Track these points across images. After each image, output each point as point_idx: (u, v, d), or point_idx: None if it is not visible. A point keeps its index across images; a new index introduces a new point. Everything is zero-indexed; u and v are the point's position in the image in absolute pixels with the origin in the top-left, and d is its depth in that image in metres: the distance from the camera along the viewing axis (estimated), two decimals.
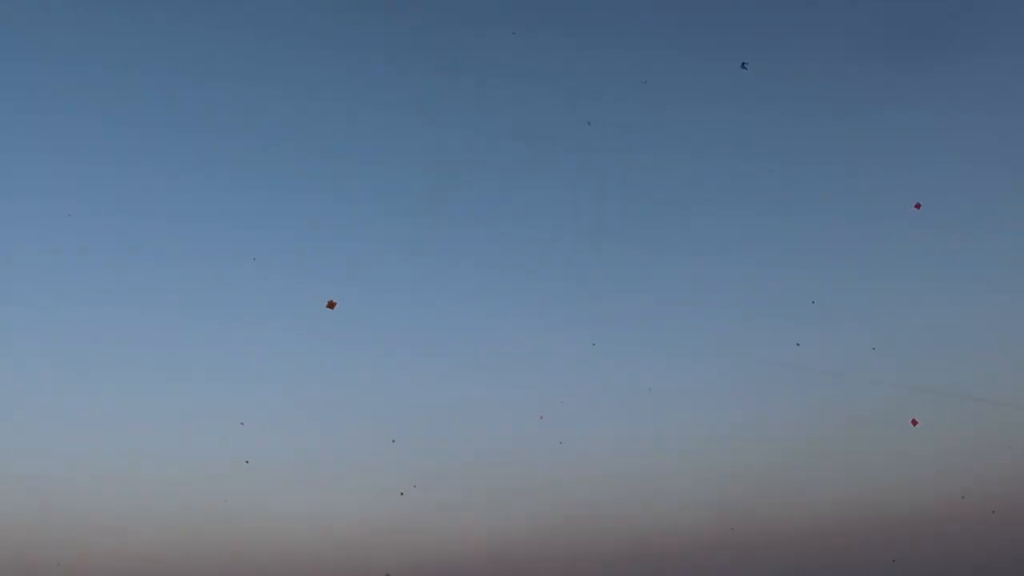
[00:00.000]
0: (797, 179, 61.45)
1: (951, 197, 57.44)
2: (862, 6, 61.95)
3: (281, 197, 62.96)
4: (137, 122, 60.83)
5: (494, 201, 65.02)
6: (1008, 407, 41.88)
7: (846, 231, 59.13)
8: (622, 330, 56.51)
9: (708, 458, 50.50)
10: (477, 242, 63.83)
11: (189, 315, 57.28)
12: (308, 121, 64.74)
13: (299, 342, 56.69)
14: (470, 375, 56.52)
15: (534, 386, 53.61)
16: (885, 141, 60.91)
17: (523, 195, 64.81)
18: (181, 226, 61.00)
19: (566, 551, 46.31)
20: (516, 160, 65.15)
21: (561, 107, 64.34)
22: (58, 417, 50.82)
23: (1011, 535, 40.24)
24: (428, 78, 64.61)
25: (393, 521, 46.89)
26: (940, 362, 53.64)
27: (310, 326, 55.38)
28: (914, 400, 45.98)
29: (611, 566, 45.10)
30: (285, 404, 52.69)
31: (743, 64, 40.32)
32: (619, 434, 52.08)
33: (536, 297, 61.34)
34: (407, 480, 44.01)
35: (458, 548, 47.23)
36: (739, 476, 48.66)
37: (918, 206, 40.19)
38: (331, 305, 34.18)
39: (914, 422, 39.35)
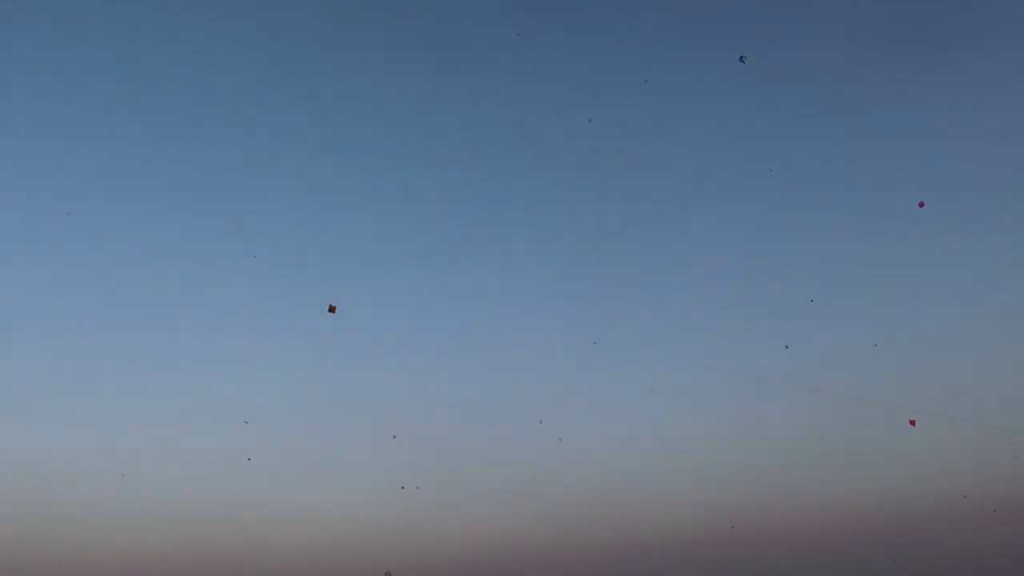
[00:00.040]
0: (797, 179, 61.59)
1: (951, 197, 57.57)
2: (862, 6, 62.07)
3: (282, 197, 63.17)
4: (137, 120, 60.99)
5: (494, 201, 65.15)
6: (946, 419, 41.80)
7: (846, 231, 59.30)
8: (622, 330, 56.66)
9: (708, 458, 50.65)
10: (477, 242, 63.96)
11: (189, 314, 57.46)
12: (308, 121, 64.90)
13: (300, 341, 56.87)
14: (470, 374, 56.70)
15: (534, 385, 53.74)
16: (885, 141, 61.06)
17: (523, 195, 64.96)
18: (181, 225, 61.19)
19: (566, 550, 46.39)
20: (516, 160, 65.30)
21: (561, 107, 64.51)
22: (58, 416, 51.02)
23: (1011, 534, 40.23)
24: (428, 78, 64.77)
25: (394, 519, 47.02)
26: (940, 362, 53.81)
27: (310, 325, 55.58)
28: (913, 400, 46.23)
29: (611, 564, 45.14)
30: (286, 403, 52.84)
31: (741, 57, 40.24)
32: (619, 433, 52.23)
33: (536, 297, 61.49)
34: (408, 479, 44.16)
35: (458, 546, 47.33)
36: (739, 476, 48.76)
37: (921, 204, 40.19)
38: (332, 310, 34.85)
39: (912, 422, 39.37)
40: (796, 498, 47.86)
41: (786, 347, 47.51)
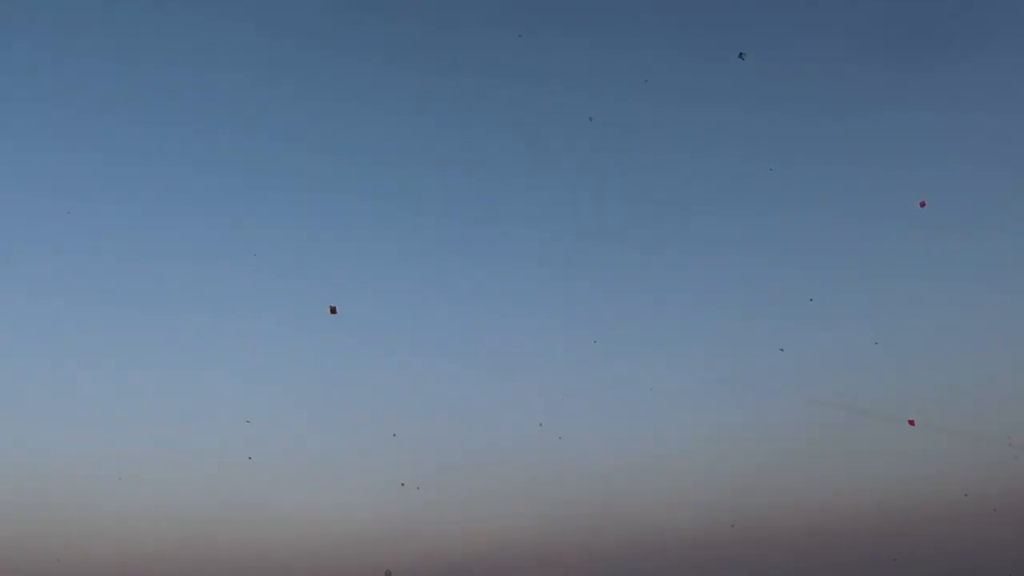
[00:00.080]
0: (797, 179, 61.60)
1: (951, 197, 57.53)
2: (862, 6, 62.09)
3: (282, 197, 63.18)
4: (137, 120, 61.02)
5: (494, 201, 65.16)
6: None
7: (846, 231, 59.32)
8: (622, 329, 56.70)
9: (708, 458, 50.63)
10: (478, 242, 63.96)
11: (189, 314, 57.46)
12: (308, 121, 64.92)
13: (300, 341, 56.86)
14: (471, 374, 56.69)
15: (535, 385, 53.73)
16: (885, 141, 61.07)
17: (523, 195, 64.99)
18: (181, 225, 61.20)
19: (566, 549, 46.39)
20: (516, 160, 65.32)
21: (561, 107, 64.53)
22: (58, 416, 51.02)
23: (1012, 533, 40.24)
24: (428, 78, 64.79)
25: (394, 519, 46.99)
26: (940, 362, 53.80)
27: (310, 325, 55.56)
28: (914, 399, 46.23)
29: (611, 564, 45.13)
30: (286, 403, 52.82)
31: (740, 54, 40.13)
32: (619, 433, 52.21)
33: (536, 297, 61.51)
34: (408, 479, 44.13)
35: (458, 546, 47.31)
36: (739, 475, 48.73)
37: (923, 204, 40.13)
38: (333, 311, 35.06)
39: (911, 423, 39.37)
40: (796, 498, 47.90)
41: (781, 350, 47.63)
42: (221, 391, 54.55)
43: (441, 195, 64.82)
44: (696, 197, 63.16)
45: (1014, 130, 57.59)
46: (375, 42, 65.10)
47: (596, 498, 48.36)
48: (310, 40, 63.88)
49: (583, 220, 63.68)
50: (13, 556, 41.43)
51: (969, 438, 44.62)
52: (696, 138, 63.99)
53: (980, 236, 55.59)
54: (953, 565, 40.67)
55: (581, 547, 46.39)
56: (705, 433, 51.61)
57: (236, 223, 61.00)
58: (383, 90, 64.79)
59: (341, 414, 52.51)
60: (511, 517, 48.16)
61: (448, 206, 64.64)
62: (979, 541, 41.29)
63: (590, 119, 59.39)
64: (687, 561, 45.00)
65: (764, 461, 49.45)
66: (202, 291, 58.89)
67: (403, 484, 43.20)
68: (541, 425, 46.39)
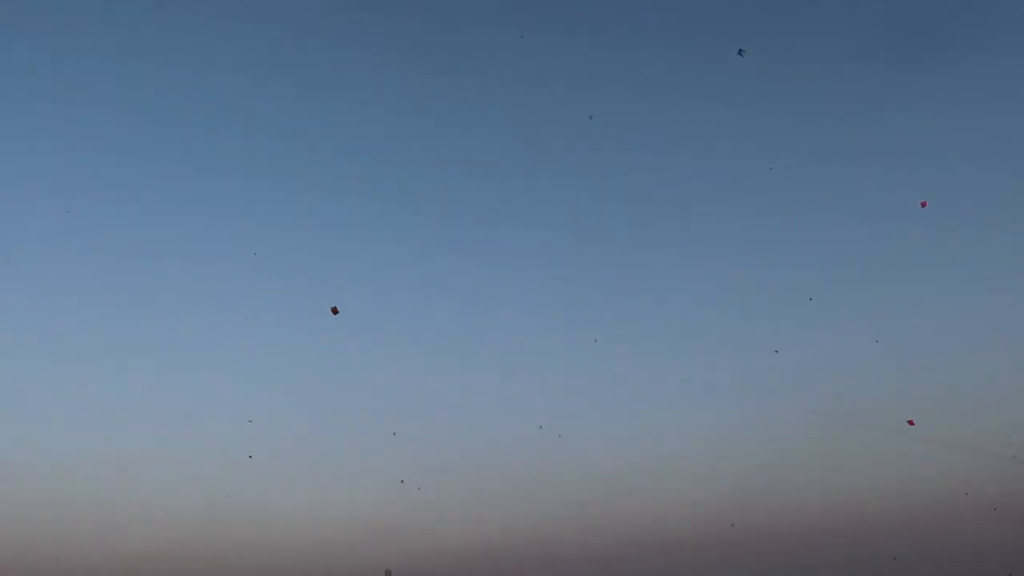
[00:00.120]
0: (797, 179, 61.65)
1: (951, 197, 57.63)
2: (862, 6, 62.16)
3: (282, 197, 63.22)
4: (137, 120, 61.09)
5: (494, 201, 65.20)
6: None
7: (846, 231, 59.35)
8: (623, 329, 56.70)
9: (708, 457, 50.61)
10: (478, 241, 64.01)
11: (189, 314, 57.48)
12: (308, 121, 65.00)
13: (300, 341, 56.89)
14: (471, 374, 56.66)
15: (535, 384, 53.73)
16: (885, 141, 61.14)
17: (523, 195, 65.03)
18: (181, 225, 61.25)
19: (566, 547, 46.37)
20: (516, 160, 65.36)
21: (562, 107, 64.60)
22: (58, 416, 50.97)
23: (1011, 533, 40.22)
24: (428, 78, 64.85)
25: (394, 518, 46.97)
26: (940, 362, 53.80)
27: (310, 325, 55.58)
28: (914, 399, 46.21)
29: (611, 563, 45.12)
30: (286, 403, 52.81)
31: (740, 51, 39.98)
32: (619, 433, 52.19)
33: (537, 296, 61.54)
34: (408, 479, 44.13)
35: (458, 545, 47.27)
36: (739, 475, 48.69)
37: (924, 204, 40.10)
38: (334, 311, 35.15)
39: (911, 422, 39.36)
40: (796, 498, 47.89)
41: (776, 351, 47.65)
42: (221, 391, 54.63)
43: (441, 195, 64.96)
44: (696, 197, 63.31)
45: (1014, 130, 57.72)
46: (375, 42, 65.27)
47: (596, 498, 48.40)
48: (310, 40, 64.04)
49: (583, 220, 63.80)
50: (13, 555, 41.45)
51: (969, 438, 44.70)
52: (696, 138, 64.13)
53: (980, 236, 55.70)
54: (953, 565, 40.66)
55: (581, 547, 46.40)
56: (705, 433, 51.67)
57: (237, 221, 61.16)
58: (383, 90, 64.92)
59: (341, 414, 52.59)
60: (511, 517, 48.19)
61: (448, 206, 64.78)
62: (979, 541, 41.30)
63: (590, 117, 59.48)
64: (687, 561, 45.02)
65: (764, 461, 49.48)
66: (202, 291, 58.99)
67: (403, 481, 43.27)
68: (541, 428, 46.44)
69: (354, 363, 57.34)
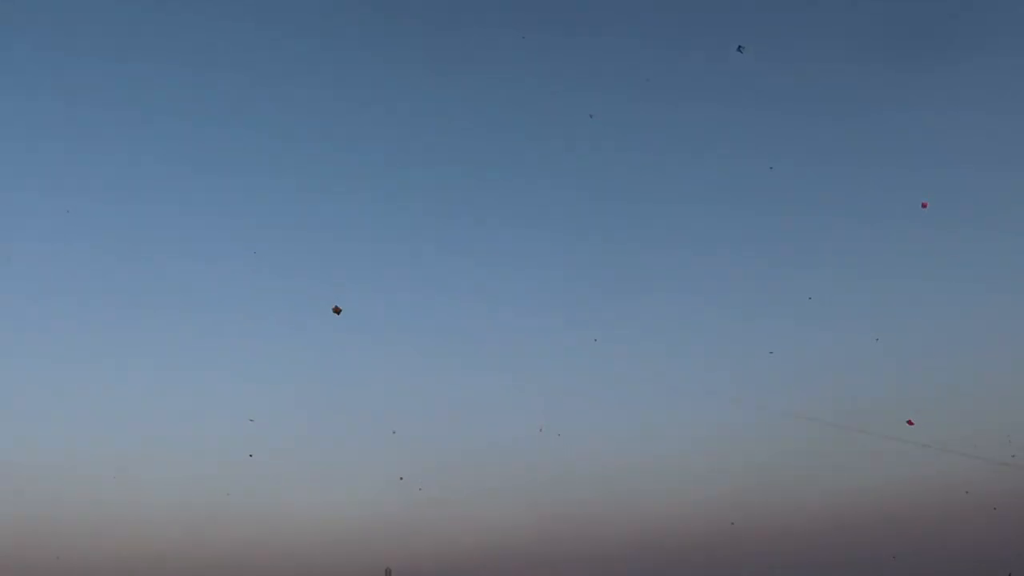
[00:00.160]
0: (797, 179, 61.68)
1: (951, 197, 57.65)
2: (862, 6, 62.20)
3: (282, 197, 63.26)
4: (137, 120, 61.13)
5: (495, 201, 65.23)
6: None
7: (846, 231, 59.37)
8: (623, 329, 56.70)
9: (708, 456, 50.62)
10: (478, 241, 64.04)
11: (189, 314, 57.53)
12: (308, 120, 65.01)
13: (300, 341, 56.96)
14: (471, 374, 56.69)
15: (535, 384, 53.67)
16: (885, 141, 61.19)
17: (523, 195, 65.06)
18: (181, 225, 61.28)
19: (566, 546, 46.37)
20: (516, 160, 65.39)
21: (562, 106, 64.61)
22: (58, 416, 51.03)
23: (1011, 532, 40.22)
24: (428, 78, 64.89)
25: (394, 518, 46.98)
26: (940, 362, 53.82)
27: (310, 325, 55.63)
28: (914, 399, 46.18)
29: (611, 563, 45.12)
30: (286, 402, 52.85)
31: (739, 47, 39.95)
32: (620, 433, 52.22)
33: (537, 295, 61.57)
34: (409, 478, 44.14)
35: (458, 545, 47.29)
36: (739, 474, 48.74)
37: (925, 205, 40.07)
38: (337, 311, 35.17)
39: (910, 422, 39.34)
40: (796, 497, 47.91)
41: (770, 352, 47.75)
42: (221, 391, 54.71)
43: (442, 195, 64.98)
44: (696, 197, 63.37)
45: (1014, 130, 57.78)
46: (376, 42, 65.29)
47: (596, 498, 48.42)
48: (310, 40, 64.08)
49: (583, 220, 63.83)
50: (13, 554, 41.44)
51: (969, 438, 44.66)
52: (696, 138, 64.22)
53: (980, 236, 55.73)
54: (953, 564, 40.66)
55: (581, 547, 46.41)
56: (705, 433, 51.67)
57: (237, 220, 61.10)
58: (383, 90, 64.97)
59: (341, 413, 52.64)
60: (511, 517, 48.22)
61: (449, 206, 64.83)
62: (979, 540, 41.31)
63: (590, 116, 59.56)
64: (687, 561, 45.02)
65: (764, 461, 49.50)
66: (202, 291, 59.04)
67: (401, 478, 43.26)
68: (541, 430, 46.42)
69: (354, 363, 57.46)
